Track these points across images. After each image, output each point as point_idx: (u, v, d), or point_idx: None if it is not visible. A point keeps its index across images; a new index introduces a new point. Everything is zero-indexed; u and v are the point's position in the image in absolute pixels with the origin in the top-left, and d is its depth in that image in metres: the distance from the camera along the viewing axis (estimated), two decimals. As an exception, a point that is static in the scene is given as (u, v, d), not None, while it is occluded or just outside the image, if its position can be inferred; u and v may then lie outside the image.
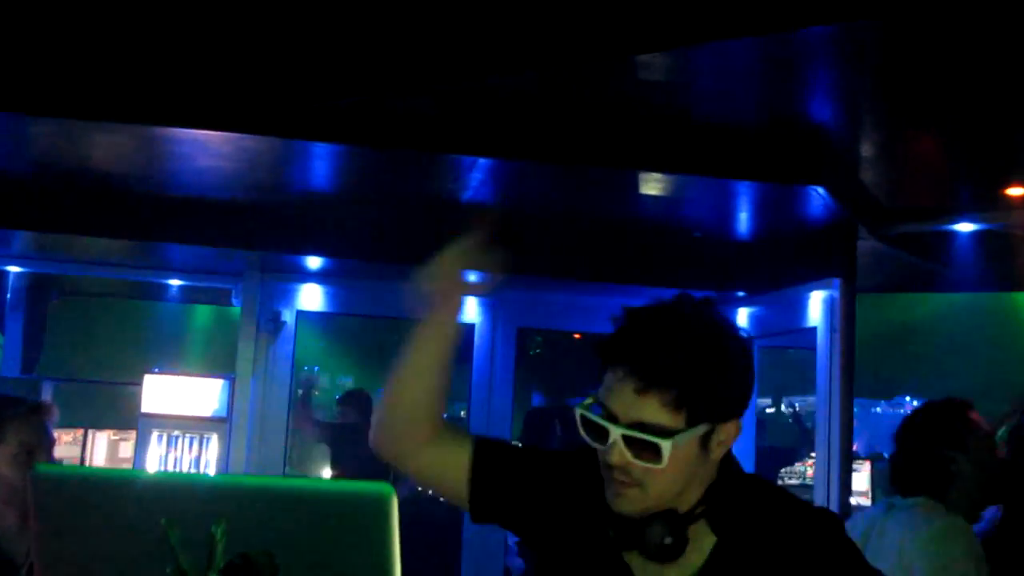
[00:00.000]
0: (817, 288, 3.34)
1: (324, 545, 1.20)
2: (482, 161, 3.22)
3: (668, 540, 1.44)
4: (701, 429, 1.42)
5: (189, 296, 5.65)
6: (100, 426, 4.65)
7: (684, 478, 1.44)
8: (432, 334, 1.59)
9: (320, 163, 3.49)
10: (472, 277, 1.65)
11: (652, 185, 3.34)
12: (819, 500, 3.20)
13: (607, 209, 3.77)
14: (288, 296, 4.16)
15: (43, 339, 6.62)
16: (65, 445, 5.83)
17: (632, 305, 1.48)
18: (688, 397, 1.39)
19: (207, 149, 3.23)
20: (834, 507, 3.11)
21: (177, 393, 4.00)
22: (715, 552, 1.49)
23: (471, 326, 4.26)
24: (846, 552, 1.48)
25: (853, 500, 6.96)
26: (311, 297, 4.20)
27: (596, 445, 1.43)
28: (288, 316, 4.14)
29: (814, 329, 3.36)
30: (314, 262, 4.04)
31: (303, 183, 3.67)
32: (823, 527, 1.49)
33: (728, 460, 1.51)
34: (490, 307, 4.30)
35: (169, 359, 6.46)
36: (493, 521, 1.59)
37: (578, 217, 3.89)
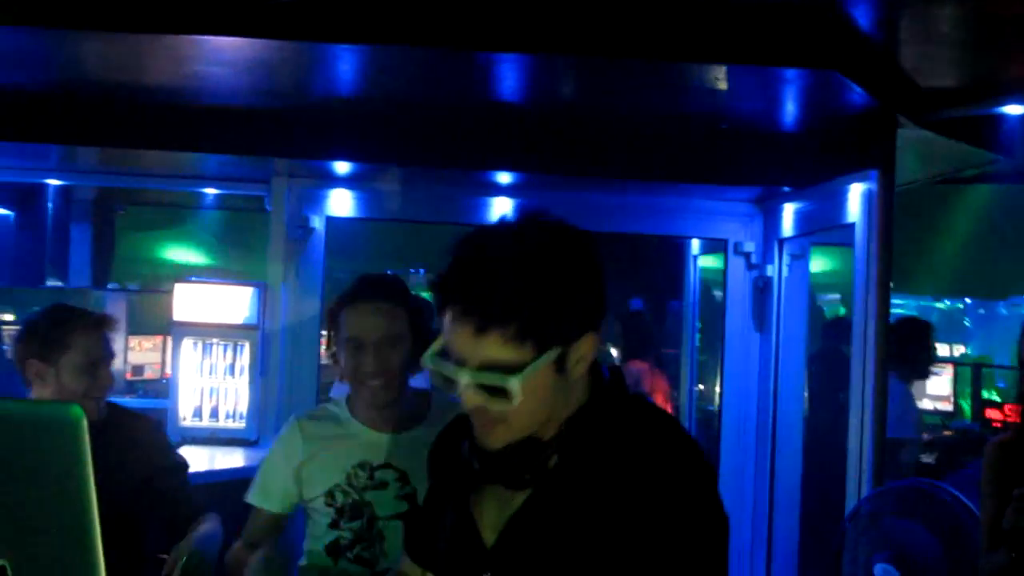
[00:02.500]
0: (856, 181, 3.32)
1: (13, 467, 1.19)
2: (510, 58, 3.23)
3: (527, 476, 1.46)
4: (552, 355, 1.39)
5: (228, 204, 5.78)
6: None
7: (546, 405, 1.44)
8: None
9: (345, 66, 3.52)
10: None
11: (686, 76, 3.32)
12: (855, 400, 3.23)
13: (639, 105, 3.75)
14: (317, 202, 4.24)
15: (112, 250, 6.89)
16: (146, 351, 6.13)
17: (463, 236, 1.43)
18: (530, 328, 1.37)
19: (231, 57, 3.27)
20: (869, 405, 3.14)
21: (208, 301, 4.14)
22: (550, 478, 1.47)
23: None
24: (685, 507, 1.40)
25: (930, 404, 6.98)
26: (340, 202, 4.27)
27: (449, 392, 1.43)
28: (317, 222, 4.22)
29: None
30: (342, 167, 4.10)
31: (328, 88, 3.70)
32: (675, 475, 1.42)
33: (598, 378, 1.51)
34: (520, 209, 4.32)
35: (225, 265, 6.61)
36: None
37: (611, 114, 3.88)
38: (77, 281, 6.52)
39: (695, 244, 4.97)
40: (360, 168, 4.10)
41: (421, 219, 4.50)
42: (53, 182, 5.19)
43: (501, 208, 4.32)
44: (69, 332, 2.55)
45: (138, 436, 2.66)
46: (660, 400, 6.32)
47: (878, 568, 2.64)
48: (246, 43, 3.07)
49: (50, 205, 6.01)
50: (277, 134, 3.95)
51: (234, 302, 4.12)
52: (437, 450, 1.70)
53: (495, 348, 1.37)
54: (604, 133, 3.99)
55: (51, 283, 6.29)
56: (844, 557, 2.83)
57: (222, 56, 3.28)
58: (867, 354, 3.17)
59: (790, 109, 3.55)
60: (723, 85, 3.36)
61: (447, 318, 1.42)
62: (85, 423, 1.14)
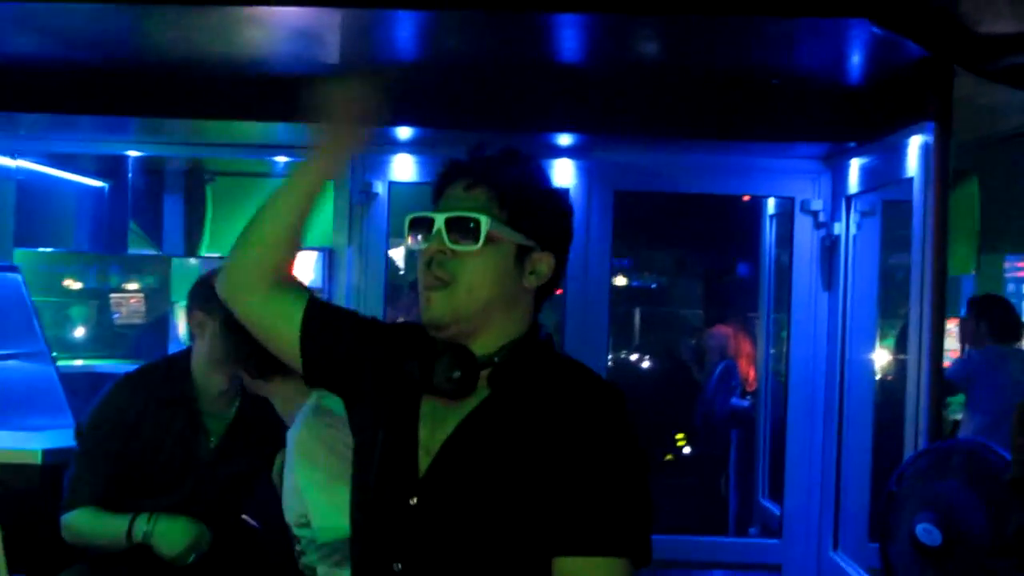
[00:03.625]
0: (914, 134, 3.25)
1: None
2: (572, 19, 3.28)
3: (456, 374, 1.58)
4: (519, 237, 1.60)
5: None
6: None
7: (493, 285, 1.60)
8: (307, 177, 1.75)
9: (405, 31, 3.61)
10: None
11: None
12: (912, 359, 3.20)
13: (702, 62, 3.75)
14: (380, 167, 4.36)
15: (204, 219, 7.19)
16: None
17: None
18: (511, 198, 1.61)
19: (296, 26, 3.40)
20: (926, 364, 3.10)
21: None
22: (485, 401, 1.61)
23: (564, 191, 4.33)
24: (613, 429, 1.56)
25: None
26: (403, 168, 4.38)
27: (419, 246, 1.62)
28: (380, 187, 4.35)
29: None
30: (403, 132, 4.20)
31: (390, 53, 3.80)
32: (602, 400, 1.59)
33: (535, 328, 1.68)
34: (585, 170, 4.36)
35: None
36: (323, 384, 1.77)
37: (674, 73, 3.89)
38: (170, 249, 6.83)
39: (770, 203, 4.93)
40: (421, 133, 4.19)
41: (482, 182, 4.56)
42: (133, 153, 5.44)
43: (564, 170, 4.37)
44: (216, 296, 2.71)
45: (270, 407, 2.80)
46: (744, 364, 6.31)
47: (919, 528, 2.63)
48: (310, 12, 3.20)
49: (134, 176, 6.31)
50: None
51: (300, 267, 4.27)
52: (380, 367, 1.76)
53: (479, 201, 1.61)
54: (668, 92, 3.99)
55: (144, 251, 6.60)
56: (889, 518, 2.83)
57: (288, 25, 3.41)
58: (924, 311, 3.14)
59: (852, 62, 3.51)
60: (784, 39, 3.35)
61: (445, 194, 1.66)
62: None
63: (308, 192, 1.75)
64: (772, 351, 5.19)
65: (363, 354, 1.73)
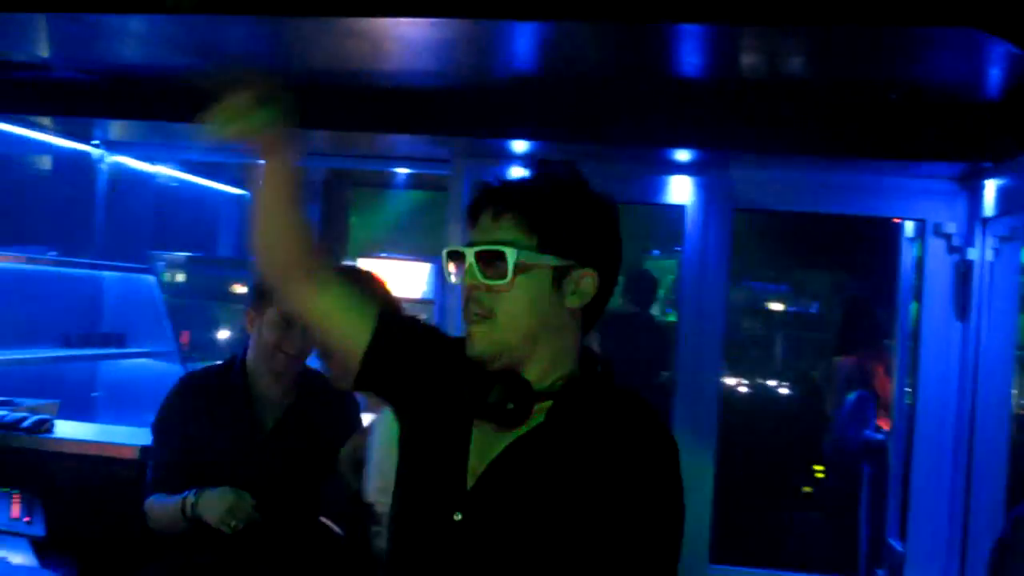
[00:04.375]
0: (1050, 153, 3.05)
1: None
2: (694, 29, 3.21)
3: (510, 407, 1.55)
4: (552, 259, 1.56)
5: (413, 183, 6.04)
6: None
7: (533, 313, 1.57)
8: (268, 177, 1.74)
9: (523, 43, 3.62)
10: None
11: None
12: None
13: (829, 76, 3.62)
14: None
15: (346, 228, 7.43)
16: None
17: None
18: (538, 221, 1.58)
19: (415, 38, 3.46)
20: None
21: (389, 276, 4.36)
22: (538, 428, 1.59)
23: (680, 208, 4.27)
24: (661, 474, 1.55)
25: None
26: (518, 180, 4.38)
27: (455, 279, 1.63)
28: (495, 200, 4.35)
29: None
30: (519, 145, 4.21)
31: (507, 66, 3.82)
32: (655, 443, 1.57)
33: (590, 359, 1.65)
34: (703, 187, 4.26)
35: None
36: (371, 389, 1.76)
37: (801, 86, 3.76)
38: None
39: (908, 226, 4.71)
40: (536, 146, 4.19)
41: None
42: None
43: (682, 187, 4.29)
44: (270, 291, 2.81)
45: (330, 399, 2.90)
46: (880, 394, 6.02)
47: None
48: (429, 23, 3.24)
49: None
50: (458, 114, 4.12)
51: (413, 277, 4.34)
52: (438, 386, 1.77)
53: (506, 230, 1.60)
54: (792, 107, 3.87)
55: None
56: (1000, 570, 2.64)
57: (407, 37, 3.46)
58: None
59: (989, 76, 3.33)
60: (914, 51, 3.20)
61: (478, 222, 1.65)
62: None
63: (274, 186, 1.73)
64: (908, 381, 4.95)
65: (425, 374, 1.74)
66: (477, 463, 1.62)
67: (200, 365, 3.38)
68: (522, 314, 1.57)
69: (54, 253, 5.06)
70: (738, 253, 4.31)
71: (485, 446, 1.62)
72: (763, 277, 10.27)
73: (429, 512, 1.64)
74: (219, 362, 3.05)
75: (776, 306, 10.30)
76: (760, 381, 8.78)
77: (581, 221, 1.63)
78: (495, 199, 1.63)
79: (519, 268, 1.56)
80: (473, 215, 1.67)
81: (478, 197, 1.67)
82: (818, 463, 6.79)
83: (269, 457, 2.86)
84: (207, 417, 2.87)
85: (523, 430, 1.60)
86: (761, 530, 5.93)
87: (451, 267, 1.67)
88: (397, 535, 1.72)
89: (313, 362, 2.95)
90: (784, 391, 8.37)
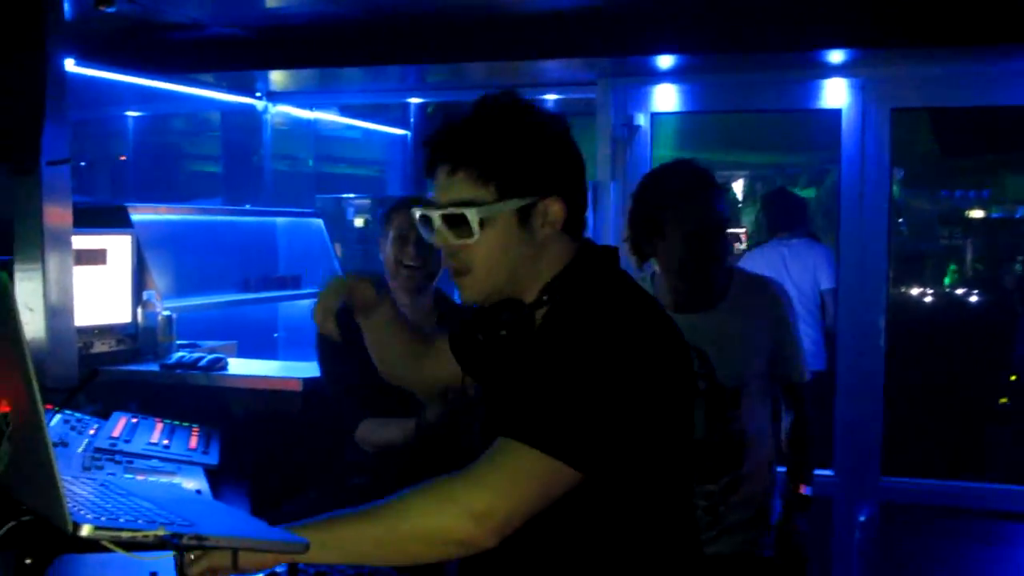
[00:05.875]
0: None
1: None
2: None
3: (503, 332, 1.67)
4: (513, 203, 1.61)
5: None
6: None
7: (508, 258, 1.64)
8: (374, 334, 1.98)
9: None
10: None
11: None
12: None
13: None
14: (641, 99, 4.39)
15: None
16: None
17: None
18: (491, 170, 1.61)
19: None
20: None
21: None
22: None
23: (836, 112, 4.17)
24: (573, 336, 1.55)
25: None
26: (665, 98, 4.38)
27: (430, 239, 1.69)
28: (643, 120, 4.37)
29: None
30: (664, 60, 4.20)
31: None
32: (584, 319, 1.57)
33: (587, 250, 1.69)
34: (859, 88, 4.14)
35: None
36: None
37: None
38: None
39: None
40: (683, 60, 4.17)
41: (747, 108, 4.49)
42: (415, 100, 5.81)
43: (836, 90, 4.19)
44: (390, 212, 3.04)
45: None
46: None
47: None
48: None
49: (434, 123, 6.71)
50: (602, 34, 4.14)
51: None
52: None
53: (462, 187, 1.62)
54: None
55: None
56: None
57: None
58: None
59: None
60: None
61: (435, 177, 1.68)
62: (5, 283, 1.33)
63: (376, 335, 2.05)
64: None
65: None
66: None
67: None
68: (498, 261, 1.64)
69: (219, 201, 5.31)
70: (938, 162, 4.15)
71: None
72: (965, 185, 9.93)
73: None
74: None
75: (976, 213, 9.92)
76: (950, 291, 8.46)
77: (534, 155, 1.63)
78: (445, 154, 1.65)
79: (484, 223, 1.61)
80: (429, 171, 1.70)
81: (430, 152, 1.69)
82: (1014, 373, 6.54)
83: None
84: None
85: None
86: (945, 443, 5.79)
87: (422, 231, 1.71)
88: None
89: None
90: (974, 299, 8.06)
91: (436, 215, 1.65)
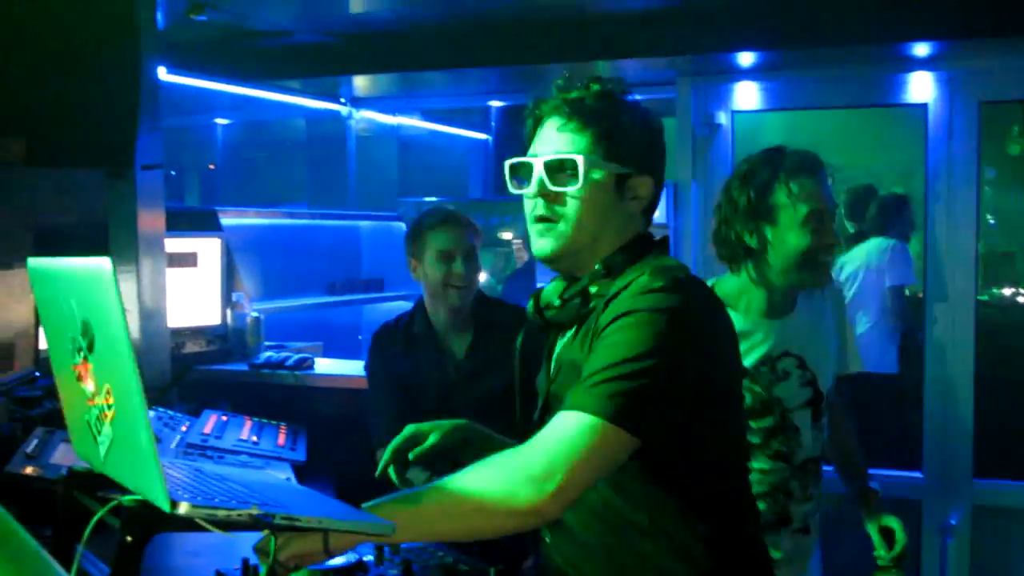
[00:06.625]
0: None
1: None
2: None
3: (550, 313, 1.77)
4: (615, 167, 1.68)
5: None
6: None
7: (598, 216, 1.69)
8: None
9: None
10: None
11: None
12: None
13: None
14: (722, 96, 4.39)
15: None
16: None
17: None
18: (603, 132, 1.68)
19: None
20: None
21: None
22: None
23: (922, 107, 4.11)
24: (629, 307, 1.57)
25: None
26: (746, 96, 4.37)
27: (521, 191, 1.73)
28: (723, 118, 4.37)
29: None
30: (745, 58, 4.20)
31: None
32: (637, 289, 1.60)
33: (643, 237, 1.74)
34: (945, 82, 4.09)
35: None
36: None
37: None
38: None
39: None
40: (764, 57, 4.16)
41: (830, 104, 4.44)
42: (495, 104, 5.87)
43: (921, 84, 4.14)
44: (426, 230, 2.97)
45: (506, 325, 2.97)
46: None
47: None
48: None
49: (513, 127, 6.78)
50: (682, 32, 4.15)
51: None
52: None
53: (574, 140, 1.69)
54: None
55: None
56: None
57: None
58: None
59: None
60: None
61: (538, 135, 1.74)
62: (113, 276, 1.27)
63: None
64: None
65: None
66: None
67: None
68: (590, 219, 1.68)
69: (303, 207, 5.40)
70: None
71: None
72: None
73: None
74: (405, 311, 3.15)
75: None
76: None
77: (639, 132, 1.72)
78: (558, 111, 1.71)
79: (588, 175, 1.66)
80: (533, 127, 1.76)
81: (537, 110, 1.75)
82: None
83: (464, 389, 2.93)
84: (406, 358, 2.99)
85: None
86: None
87: (512, 184, 1.76)
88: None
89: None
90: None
91: (540, 160, 1.70)
